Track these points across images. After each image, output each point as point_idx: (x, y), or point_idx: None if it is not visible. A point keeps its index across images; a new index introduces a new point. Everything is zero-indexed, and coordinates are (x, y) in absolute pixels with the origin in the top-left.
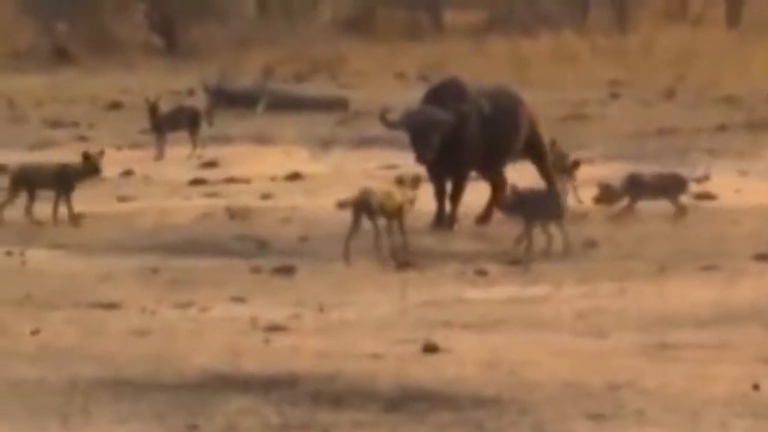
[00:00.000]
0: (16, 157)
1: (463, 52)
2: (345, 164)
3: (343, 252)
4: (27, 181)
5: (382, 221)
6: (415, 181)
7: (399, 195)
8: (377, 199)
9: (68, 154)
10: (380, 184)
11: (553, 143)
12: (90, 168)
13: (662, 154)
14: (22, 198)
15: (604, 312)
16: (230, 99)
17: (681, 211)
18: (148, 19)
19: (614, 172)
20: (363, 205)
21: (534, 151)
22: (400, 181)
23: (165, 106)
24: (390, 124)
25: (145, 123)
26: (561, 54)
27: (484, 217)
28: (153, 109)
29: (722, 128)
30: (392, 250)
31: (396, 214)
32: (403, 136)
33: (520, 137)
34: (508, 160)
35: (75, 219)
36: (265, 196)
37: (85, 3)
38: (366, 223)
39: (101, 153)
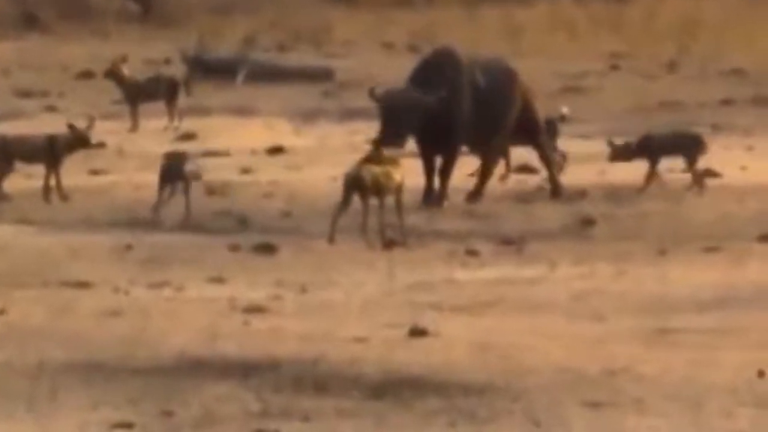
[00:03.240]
0: None
1: (455, 21)
2: (330, 137)
3: (329, 230)
4: (11, 153)
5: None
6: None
7: (397, 173)
8: (372, 175)
9: (37, 124)
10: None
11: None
12: (79, 139)
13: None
14: None
15: (602, 294)
16: (209, 69)
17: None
18: None
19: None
20: (356, 182)
21: (528, 127)
22: (376, 144)
23: (141, 75)
24: (377, 99)
25: (118, 93)
26: (557, 23)
27: (474, 194)
28: (113, 72)
29: (728, 102)
30: (380, 229)
31: (393, 192)
32: None
33: (513, 112)
34: (500, 135)
35: (63, 194)
36: (245, 171)
37: None
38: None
39: (92, 121)
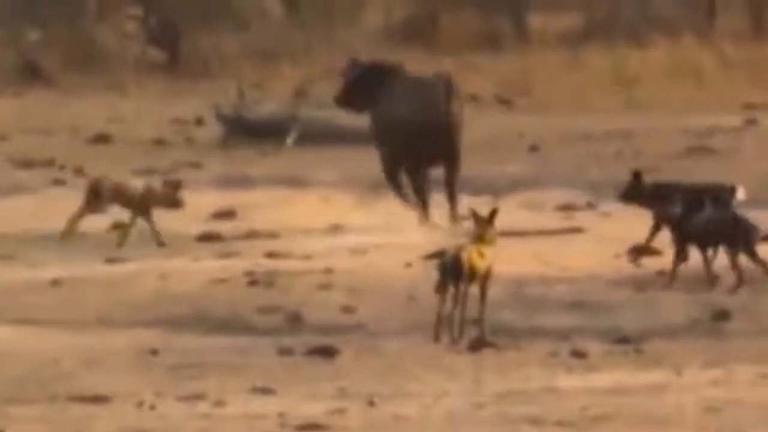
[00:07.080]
0: None
1: (554, 68)
2: (401, 213)
3: (434, 327)
4: None
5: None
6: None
7: (489, 253)
8: (468, 258)
9: (43, 201)
10: (445, 238)
11: None
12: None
13: None
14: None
15: (741, 405)
16: (251, 129)
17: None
18: (144, 26)
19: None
20: (455, 268)
21: None
22: (476, 217)
23: (170, 138)
24: None
25: (141, 162)
26: (680, 68)
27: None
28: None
29: None
30: (460, 325)
31: (484, 277)
32: (481, 176)
33: None
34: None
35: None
36: (299, 257)
37: (63, 6)
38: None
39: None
